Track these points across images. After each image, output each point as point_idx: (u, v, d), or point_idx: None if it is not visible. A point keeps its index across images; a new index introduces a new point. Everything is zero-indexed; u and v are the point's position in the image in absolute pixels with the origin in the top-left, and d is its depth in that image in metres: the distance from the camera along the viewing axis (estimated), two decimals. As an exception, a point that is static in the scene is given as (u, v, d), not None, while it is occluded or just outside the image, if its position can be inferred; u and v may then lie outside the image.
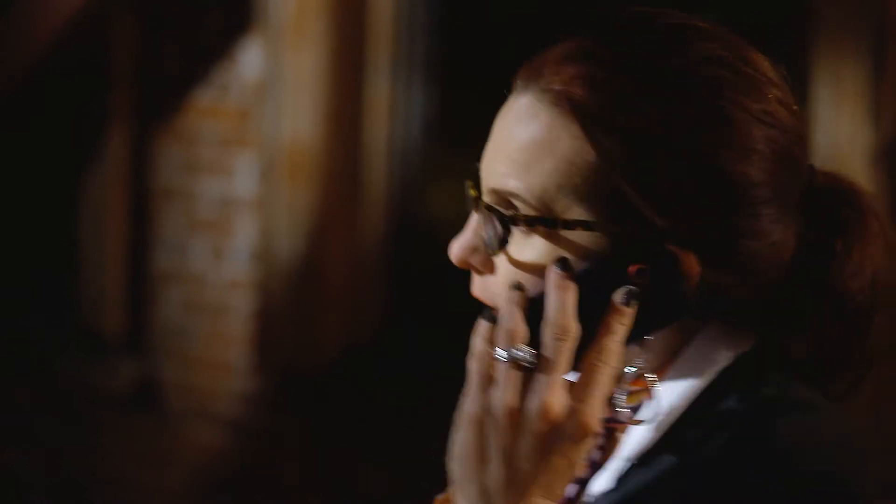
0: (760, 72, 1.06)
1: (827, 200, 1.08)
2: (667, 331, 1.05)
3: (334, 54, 4.23)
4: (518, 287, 1.02)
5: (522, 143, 1.03)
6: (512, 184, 1.03)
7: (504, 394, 0.99)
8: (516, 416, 0.99)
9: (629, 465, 1.05)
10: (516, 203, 1.03)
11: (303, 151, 4.24)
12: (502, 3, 4.09)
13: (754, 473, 0.97)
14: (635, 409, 1.06)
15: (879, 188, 3.54)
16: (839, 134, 3.55)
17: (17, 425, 4.73)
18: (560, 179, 1.02)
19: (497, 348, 1.01)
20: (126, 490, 4.60)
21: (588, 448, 1.00)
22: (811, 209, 1.07)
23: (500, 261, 1.06)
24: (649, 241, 1.01)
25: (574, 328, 1.00)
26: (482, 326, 1.02)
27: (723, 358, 1.05)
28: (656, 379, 1.05)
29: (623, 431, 1.10)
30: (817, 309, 1.07)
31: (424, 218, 4.27)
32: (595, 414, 0.99)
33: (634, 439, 1.06)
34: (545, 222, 1.02)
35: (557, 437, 0.99)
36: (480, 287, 1.08)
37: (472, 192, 1.07)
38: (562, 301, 1.00)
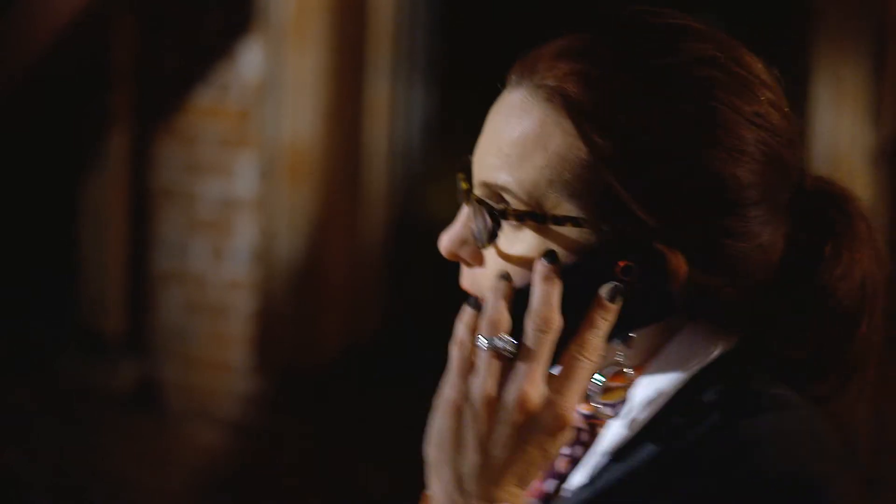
0: (753, 74, 1.06)
1: (816, 204, 1.09)
2: (651, 328, 1.06)
3: (334, 54, 4.23)
4: (505, 277, 1.03)
5: (515, 137, 1.04)
6: (503, 178, 1.04)
7: (483, 382, 1.00)
8: (494, 404, 1.00)
9: (605, 460, 1.06)
10: (507, 197, 1.04)
11: (303, 151, 4.24)
12: (502, 3, 4.09)
13: (719, 470, 0.98)
14: (614, 406, 1.06)
15: (879, 188, 3.54)
16: (839, 134, 3.55)
17: (17, 425, 4.73)
18: (551, 175, 1.02)
19: (479, 336, 1.01)
20: (126, 490, 4.60)
21: (564, 441, 1.01)
22: (801, 212, 1.08)
23: (489, 253, 1.06)
24: (637, 239, 1.01)
25: (557, 321, 1.00)
26: (466, 314, 1.03)
27: (703, 356, 1.06)
28: (634, 375, 1.06)
29: (602, 426, 1.10)
30: (805, 311, 1.07)
31: (424, 218, 4.27)
32: (572, 407, 1.00)
33: (611, 434, 1.07)
34: (535, 217, 1.03)
35: (534, 427, 0.99)
36: (469, 279, 1.09)
37: (464, 185, 1.08)
38: (547, 293, 1.01)
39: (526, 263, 1.04)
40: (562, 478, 1.11)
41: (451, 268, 1.13)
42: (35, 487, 4.65)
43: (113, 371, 4.64)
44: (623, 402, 1.06)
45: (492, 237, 1.05)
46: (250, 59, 4.34)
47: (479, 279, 1.08)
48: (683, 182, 1.01)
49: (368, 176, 4.30)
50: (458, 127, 4.26)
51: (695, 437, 1.01)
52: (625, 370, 1.05)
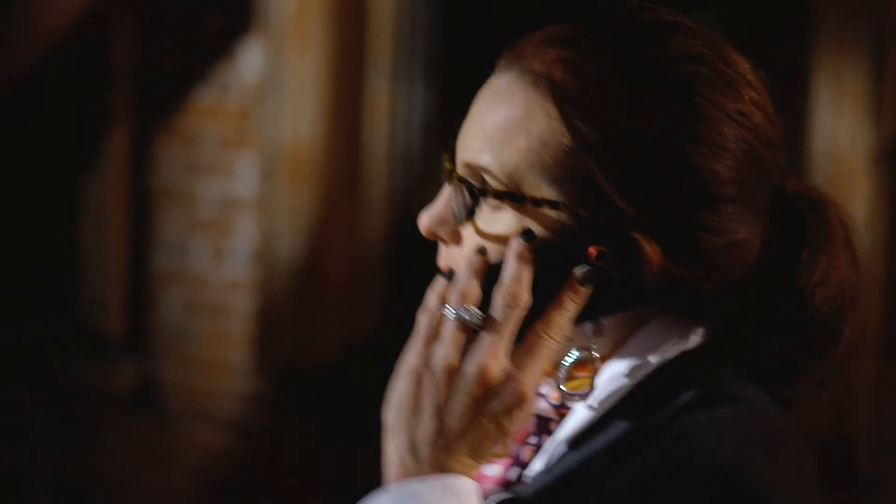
0: (739, 72, 1.07)
1: (795, 207, 1.10)
2: (621, 319, 1.07)
3: (334, 54, 4.23)
4: (481, 252, 1.04)
5: (499, 120, 1.05)
6: (485, 159, 1.05)
7: (446, 351, 1.01)
8: (454, 374, 1.01)
9: (563, 448, 1.07)
10: (487, 178, 1.05)
11: (303, 152, 4.24)
12: (503, 3, 4.09)
13: (653, 459, 0.98)
14: (582, 395, 1.07)
15: (879, 188, 3.54)
16: (839, 134, 3.55)
17: (17, 425, 4.73)
18: (532, 158, 1.04)
19: (447, 306, 1.03)
20: (126, 490, 4.60)
21: (521, 418, 1.02)
22: (780, 214, 1.09)
23: (467, 232, 1.08)
24: (614, 226, 1.02)
25: (525, 298, 1.02)
26: (438, 283, 1.05)
27: (669, 349, 1.06)
28: (600, 364, 1.07)
29: (566, 415, 1.11)
30: (782, 313, 1.08)
31: (424, 218, 4.26)
32: (531, 384, 1.01)
33: (571, 423, 1.07)
34: (513, 198, 1.04)
35: (491, 400, 1.01)
36: (447, 258, 1.11)
37: (448, 166, 1.09)
38: (518, 270, 1.02)
39: (503, 242, 1.05)
40: (524, 465, 1.12)
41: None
42: (35, 487, 4.65)
43: (113, 371, 4.64)
44: (591, 391, 1.07)
45: (469, 215, 1.07)
46: (250, 59, 4.34)
47: (456, 258, 1.09)
48: (662, 173, 1.02)
49: (368, 176, 4.30)
50: (458, 127, 4.25)
51: (644, 428, 1.02)
52: (593, 356, 1.06)
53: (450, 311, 1.03)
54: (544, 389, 1.13)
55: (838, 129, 3.55)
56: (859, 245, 1.11)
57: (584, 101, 1.02)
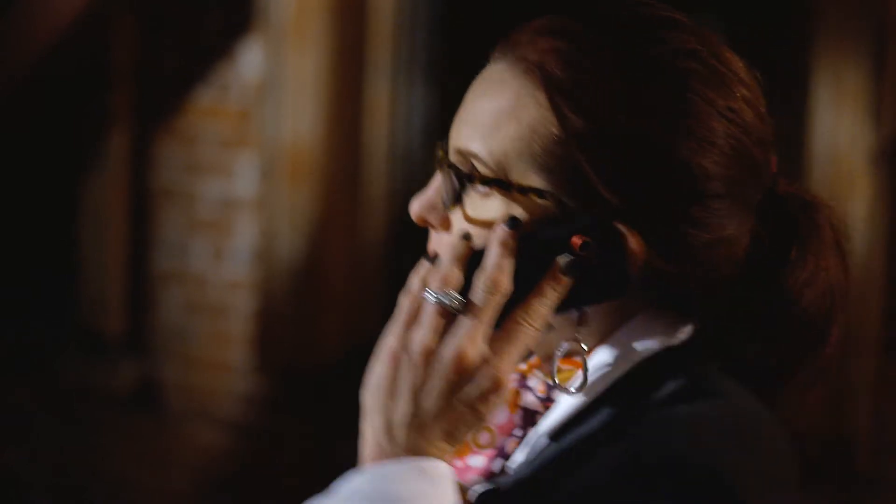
0: (731, 70, 1.07)
1: (786, 208, 1.10)
2: (606, 311, 1.07)
3: (334, 54, 4.23)
4: (466, 238, 1.05)
5: (490, 108, 1.07)
6: (475, 145, 1.06)
7: (424, 334, 1.02)
8: (431, 357, 1.01)
9: (544, 440, 1.07)
10: (477, 164, 1.06)
11: (303, 152, 4.24)
12: (503, 3, 4.09)
13: (626, 454, 0.98)
14: (569, 387, 1.08)
15: (879, 188, 3.54)
16: (839, 134, 3.55)
17: (17, 425, 4.73)
18: (521, 146, 1.05)
19: (428, 289, 1.03)
20: (126, 490, 4.60)
21: (497, 404, 1.02)
22: (771, 214, 1.09)
23: (456, 218, 1.09)
24: (598, 217, 1.03)
25: (506, 284, 1.02)
26: (422, 267, 1.06)
27: (653, 344, 1.07)
28: (585, 358, 1.07)
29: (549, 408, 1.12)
30: (768, 312, 1.08)
31: (424, 218, 4.27)
32: (508, 370, 1.02)
33: (554, 415, 1.08)
34: (500, 184, 1.05)
35: (467, 384, 1.01)
36: (436, 244, 1.12)
37: (440, 153, 1.10)
38: (501, 256, 1.03)
39: (489, 228, 1.06)
40: (507, 457, 1.13)
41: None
42: (35, 487, 4.65)
43: (113, 371, 4.64)
44: (584, 382, 1.07)
45: (456, 199, 1.08)
46: (250, 59, 4.34)
47: (445, 244, 1.10)
48: (650, 166, 1.03)
49: (368, 176, 4.30)
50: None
51: (621, 421, 1.02)
52: (581, 347, 1.07)
53: (430, 295, 1.03)
54: (532, 382, 1.14)
55: (838, 129, 3.55)
56: (852, 248, 1.12)
57: (575, 92, 1.03)
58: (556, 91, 1.04)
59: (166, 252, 4.58)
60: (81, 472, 4.67)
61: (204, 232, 4.49)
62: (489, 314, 1.02)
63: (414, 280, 1.06)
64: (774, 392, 1.09)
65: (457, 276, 1.03)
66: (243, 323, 4.40)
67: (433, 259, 1.06)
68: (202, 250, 4.49)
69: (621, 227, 1.03)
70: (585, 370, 1.06)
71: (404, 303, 1.05)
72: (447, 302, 1.02)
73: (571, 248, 1.03)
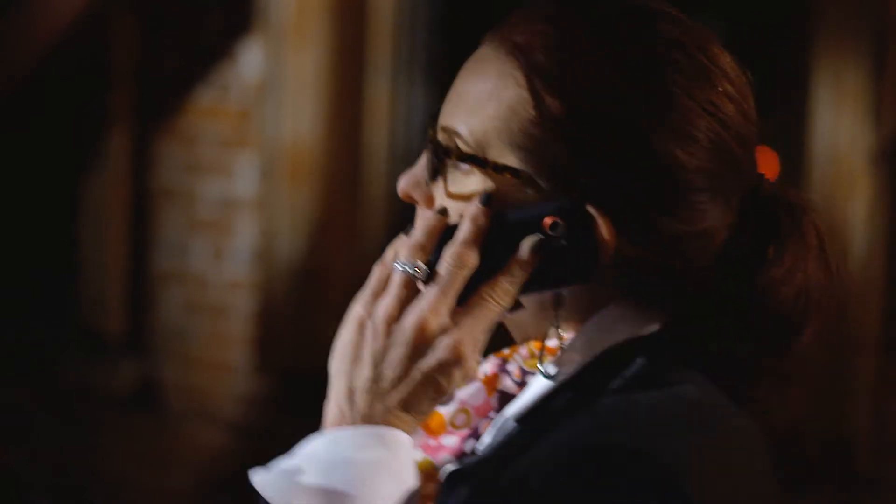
0: (716, 65, 1.08)
1: (770, 208, 1.10)
2: (580, 298, 1.08)
3: (334, 54, 4.23)
4: (441, 212, 1.07)
5: (475, 87, 1.08)
6: (458, 123, 1.08)
7: (388, 302, 1.04)
8: (393, 325, 1.04)
9: (510, 423, 1.08)
10: (458, 142, 1.08)
11: (303, 152, 4.24)
12: (503, 3, 4.09)
13: (564, 439, 0.99)
14: (533, 372, 1.09)
15: (879, 188, 3.54)
16: (839, 134, 3.56)
17: (17, 425, 4.73)
18: (500, 125, 1.06)
19: (397, 259, 1.05)
20: (126, 490, 4.60)
21: (459, 379, 1.03)
22: (753, 212, 1.09)
23: (438, 195, 1.10)
24: (571, 199, 1.04)
25: (473, 259, 1.04)
26: (400, 239, 1.08)
27: (621, 334, 1.07)
28: (560, 344, 1.08)
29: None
30: (740, 305, 1.08)
31: (424, 218, 4.27)
32: (469, 343, 1.03)
33: (522, 400, 1.09)
34: (476, 161, 1.06)
35: (426, 355, 1.03)
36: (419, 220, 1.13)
37: (430, 131, 1.12)
38: (471, 232, 1.04)
39: (465, 204, 1.07)
40: (479, 438, 1.14)
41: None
42: (35, 487, 4.65)
43: (113, 371, 4.64)
44: (563, 367, 1.08)
45: (434, 174, 1.10)
46: (250, 59, 4.34)
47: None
48: (625, 154, 1.03)
49: (368, 176, 4.30)
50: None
51: (572, 408, 1.03)
52: (559, 333, 1.08)
53: (398, 265, 1.05)
54: (510, 366, 1.15)
55: (838, 129, 3.55)
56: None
57: (554, 75, 1.04)
58: (535, 73, 1.05)
59: (166, 252, 4.58)
60: (81, 472, 4.67)
61: (204, 232, 4.49)
62: (454, 287, 1.04)
63: (389, 251, 1.08)
64: (749, 392, 1.09)
65: (427, 247, 1.05)
66: (243, 323, 4.40)
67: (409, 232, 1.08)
68: (202, 250, 4.49)
69: (592, 211, 1.04)
70: (558, 356, 1.08)
71: (375, 271, 1.07)
72: (413, 272, 1.04)
73: (542, 228, 1.04)
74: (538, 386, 1.08)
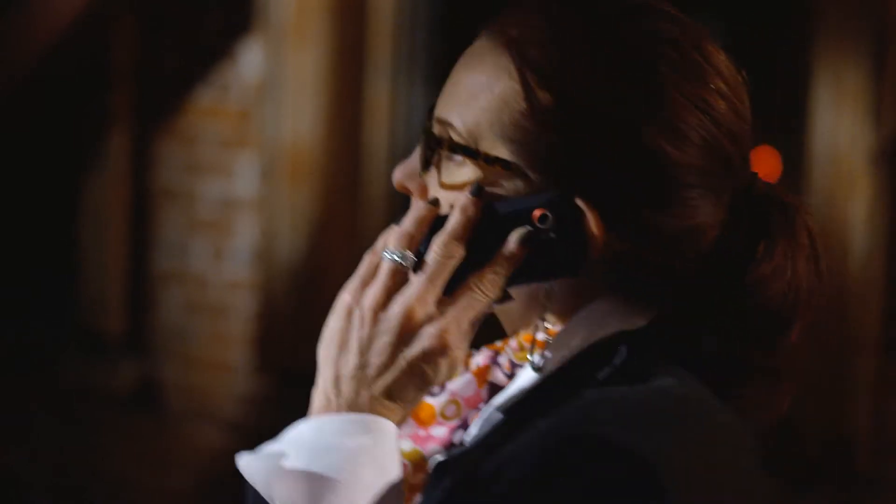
0: (710, 62, 1.08)
1: (762, 206, 1.11)
2: (570, 292, 1.09)
3: (335, 54, 4.24)
4: (433, 202, 1.08)
5: (469, 79, 1.10)
6: (451, 114, 1.09)
7: (375, 290, 1.05)
8: (380, 313, 1.04)
9: (497, 415, 1.09)
10: (452, 133, 1.09)
11: (303, 152, 4.24)
12: (503, 3, 4.10)
13: (542, 431, 0.99)
14: (522, 364, 1.09)
15: (879, 188, 3.54)
16: (839, 134, 3.56)
17: (17, 425, 4.73)
18: (492, 117, 1.07)
19: (387, 248, 1.07)
20: (126, 490, 4.60)
21: (445, 370, 1.04)
22: (745, 210, 1.10)
23: (432, 186, 1.11)
24: (560, 192, 1.05)
25: (461, 250, 1.05)
26: (392, 229, 1.09)
27: (609, 328, 1.07)
28: (549, 337, 1.09)
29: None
30: (727, 303, 1.08)
31: (424, 218, 4.27)
32: (454, 332, 1.04)
33: (509, 391, 1.10)
34: (467, 152, 1.07)
35: (411, 343, 1.03)
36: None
37: (427, 123, 1.13)
38: (460, 222, 1.05)
39: (456, 194, 1.08)
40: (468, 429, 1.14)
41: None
42: (35, 487, 4.65)
43: (113, 371, 4.64)
44: (549, 360, 1.08)
45: (426, 165, 1.10)
46: (250, 59, 4.34)
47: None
48: (614, 148, 1.04)
49: (368, 176, 4.30)
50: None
51: (554, 400, 1.03)
52: (545, 326, 1.08)
53: (386, 253, 1.07)
54: (501, 359, 1.16)
55: (838, 129, 3.55)
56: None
57: (546, 69, 1.05)
58: (528, 66, 1.06)
59: (166, 252, 4.58)
60: (81, 472, 4.67)
61: (204, 232, 4.49)
62: (442, 277, 1.04)
63: (380, 240, 1.09)
64: (736, 384, 1.09)
65: (416, 236, 1.06)
66: (243, 323, 4.40)
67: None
68: (202, 250, 4.50)
69: (581, 205, 1.04)
70: (545, 349, 1.08)
71: (365, 260, 1.08)
72: (400, 260, 1.05)
73: (531, 220, 1.05)
74: (525, 378, 1.09)
